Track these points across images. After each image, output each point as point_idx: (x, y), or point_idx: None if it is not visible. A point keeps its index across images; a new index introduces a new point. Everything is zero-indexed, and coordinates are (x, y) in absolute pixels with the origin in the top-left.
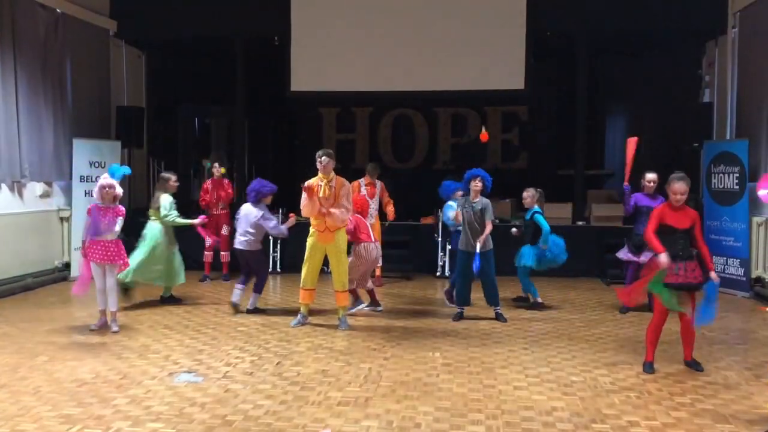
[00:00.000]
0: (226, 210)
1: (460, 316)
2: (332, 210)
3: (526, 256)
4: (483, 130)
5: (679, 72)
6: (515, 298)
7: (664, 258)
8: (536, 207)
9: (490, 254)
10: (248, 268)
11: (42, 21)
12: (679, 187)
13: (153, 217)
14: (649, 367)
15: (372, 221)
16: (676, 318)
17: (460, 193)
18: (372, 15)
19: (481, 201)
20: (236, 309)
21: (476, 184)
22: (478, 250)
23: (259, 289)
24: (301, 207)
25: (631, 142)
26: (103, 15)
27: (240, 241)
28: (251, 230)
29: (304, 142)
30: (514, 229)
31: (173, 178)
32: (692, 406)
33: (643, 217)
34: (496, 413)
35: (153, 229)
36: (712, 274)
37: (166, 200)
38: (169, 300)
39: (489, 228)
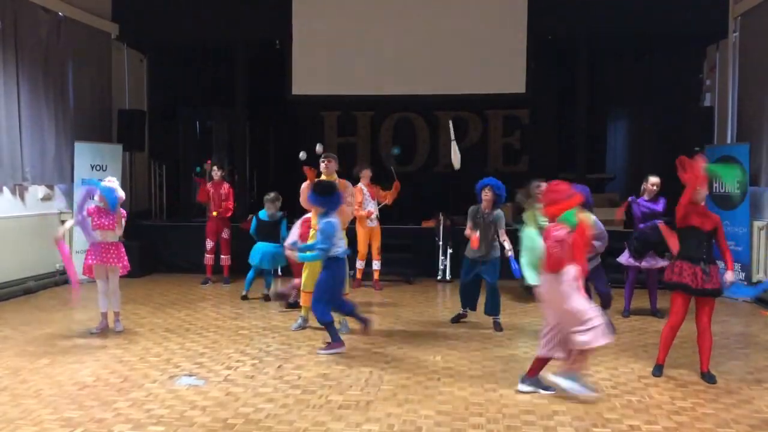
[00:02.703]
0: (227, 214)
1: (458, 318)
2: None
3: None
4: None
5: (680, 76)
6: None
7: None
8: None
9: (496, 262)
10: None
11: (44, 24)
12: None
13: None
14: (657, 370)
15: (373, 225)
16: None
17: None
18: (373, 19)
19: (492, 213)
20: None
21: (486, 194)
22: (510, 254)
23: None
24: (301, 200)
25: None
26: (104, 18)
27: None
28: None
29: (305, 145)
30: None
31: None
32: (693, 410)
33: (645, 221)
34: (497, 417)
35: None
36: (728, 275)
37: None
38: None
39: (506, 240)
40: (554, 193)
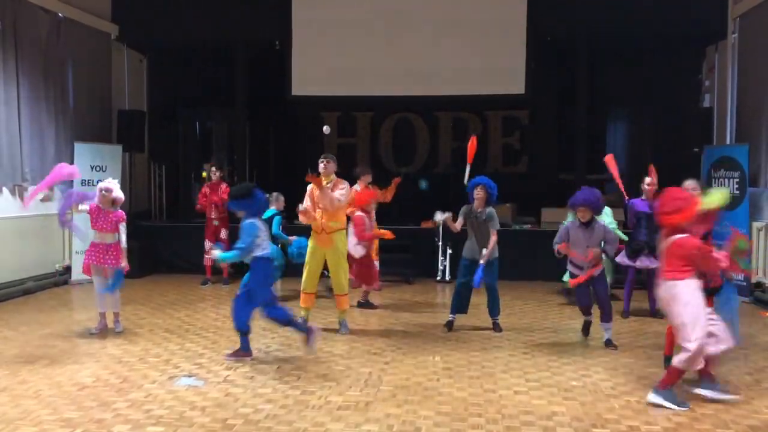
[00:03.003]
0: (224, 214)
1: (450, 326)
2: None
3: None
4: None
5: (679, 77)
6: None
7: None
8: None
9: (494, 263)
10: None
11: (44, 25)
12: (689, 183)
13: None
14: (668, 361)
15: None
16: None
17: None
18: (373, 19)
19: (485, 211)
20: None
21: (478, 193)
22: (483, 261)
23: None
24: (298, 213)
25: (610, 159)
26: (104, 19)
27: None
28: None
29: (305, 146)
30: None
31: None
32: (692, 411)
33: (642, 223)
34: (496, 418)
35: None
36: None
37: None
38: None
39: (494, 240)
40: (676, 201)
